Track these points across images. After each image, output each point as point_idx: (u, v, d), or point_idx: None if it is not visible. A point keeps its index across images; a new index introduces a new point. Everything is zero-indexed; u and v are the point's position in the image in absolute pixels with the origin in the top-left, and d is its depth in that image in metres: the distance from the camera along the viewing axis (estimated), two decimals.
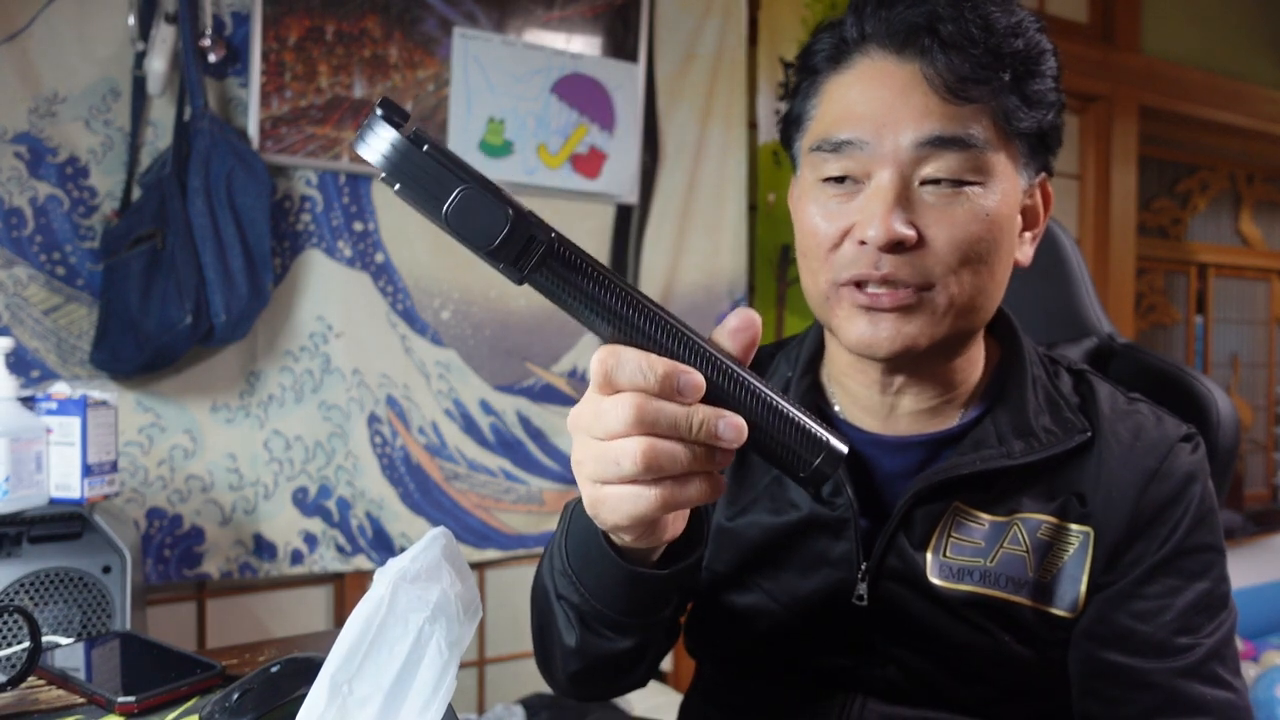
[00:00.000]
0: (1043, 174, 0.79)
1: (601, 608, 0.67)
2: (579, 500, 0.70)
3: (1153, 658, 0.74)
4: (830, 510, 0.79)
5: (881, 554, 0.77)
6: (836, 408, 0.84)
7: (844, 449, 0.53)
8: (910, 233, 0.70)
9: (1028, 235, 0.80)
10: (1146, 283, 3.89)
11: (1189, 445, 0.79)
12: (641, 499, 0.52)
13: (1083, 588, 0.76)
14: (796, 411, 0.53)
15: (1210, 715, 0.72)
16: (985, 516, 0.77)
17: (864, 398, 0.81)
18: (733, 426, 0.51)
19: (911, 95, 0.71)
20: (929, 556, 0.77)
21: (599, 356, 0.52)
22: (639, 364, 0.51)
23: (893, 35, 0.72)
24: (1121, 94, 3.22)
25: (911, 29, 0.71)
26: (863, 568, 0.78)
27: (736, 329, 0.54)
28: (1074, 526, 0.76)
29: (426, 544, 0.64)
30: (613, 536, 0.61)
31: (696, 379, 0.51)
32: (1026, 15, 0.74)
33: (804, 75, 0.79)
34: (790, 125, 0.81)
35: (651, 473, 0.51)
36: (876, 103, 0.72)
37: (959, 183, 0.71)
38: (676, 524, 0.59)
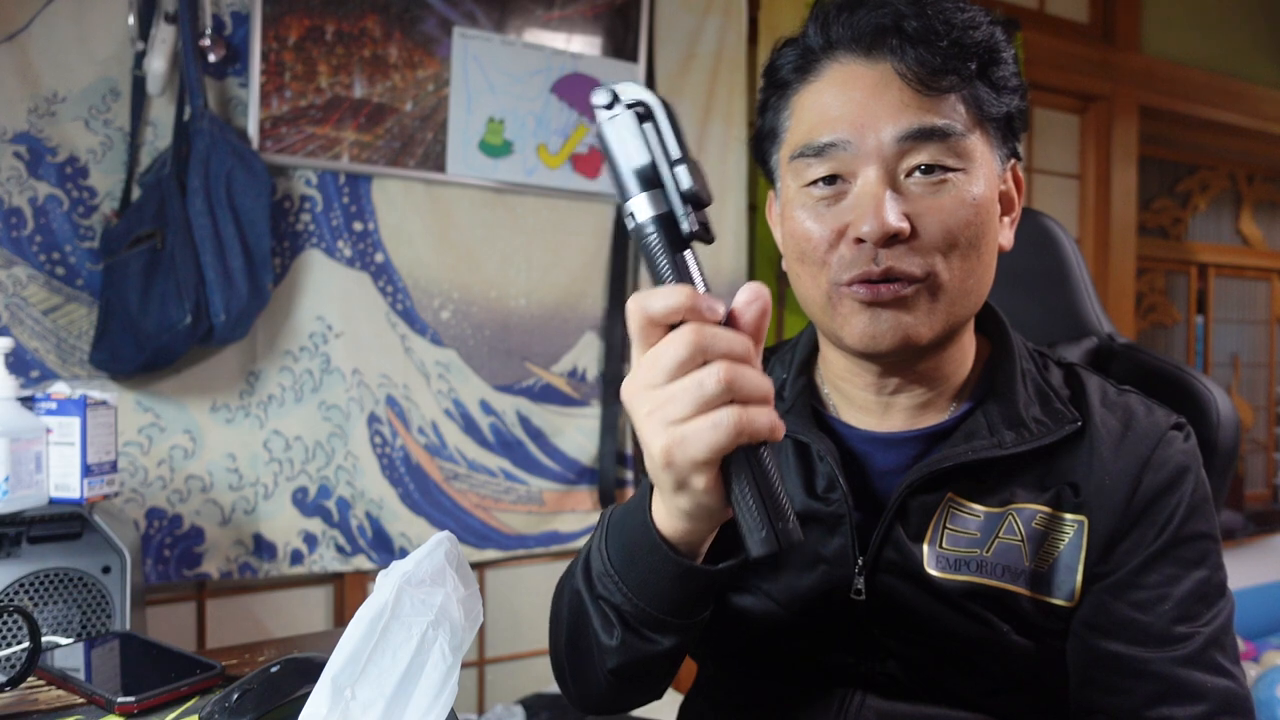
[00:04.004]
0: (1012, 159, 0.81)
1: (646, 607, 0.68)
2: (615, 506, 0.71)
3: (1154, 647, 0.74)
4: (825, 506, 0.80)
5: (878, 547, 0.78)
6: (830, 408, 0.85)
7: (795, 538, 0.56)
8: (904, 225, 0.71)
9: (1006, 220, 0.82)
10: (1147, 283, 3.89)
11: (1180, 434, 0.80)
12: (721, 425, 0.54)
13: (1079, 576, 0.77)
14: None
15: (1210, 703, 0.73)
16: (979, 508, 0.78)
17: (860, 399, 0.82)
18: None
19: (886, 92, 0.73)
20: (926, 548, 0.77)
21: (632, 302, 0.56)
22: (666, 294, 0.55)
23: (859, 39, 0.74)
24: (1121, 94, 3.22)
25: (878, 30, 0.74)
26: (859, 562, 0.78)
27: (748, 302, 0.58)
28: (1068, 516, 0.77)
29: (431, 548, 0.64)
30: (684, 499, 0.60)
31: (716, 301, 0.56)
32: (977, 10, 0.76)
33: (772, 90, 0.81)
34: (764, 140, 0.83)
35: (730, 393, 0.54)
36: (853, 104, 0.74)
37: (943, 171, 0.73)
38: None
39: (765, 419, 0.55)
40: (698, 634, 0.75)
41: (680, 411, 0.55)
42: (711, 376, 0.54)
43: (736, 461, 0.56)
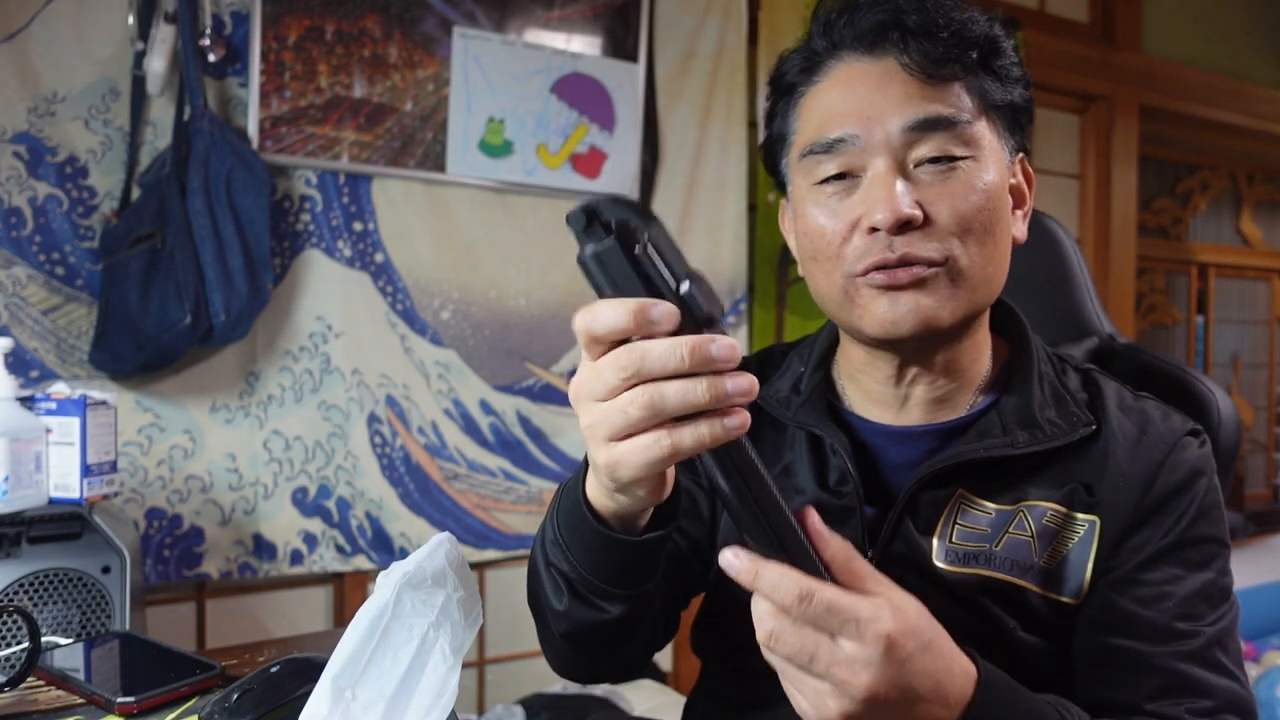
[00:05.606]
0: (1020, 153, 0.82)
1: (587, 575, 0.70)
2: (571, 478, 0.72)
3: (1157, 642, 0.75)
4: (836, 499, 0.80)
5: (887, 540, 0.79)
6: (845, 401, 0.86)
7: None
8: (916, 211, 0.72)
9: (1018, 213, 0.83)
10: (1147, 283, 3.89)
11: (1196, 440, 0.80)
12: (654, 446, 0.53)
13: (1088, 575, 0.77)
14: None
15: (1217, 700, 0.73)
16: (991, 504, 0.78)
17: (877, 392, 0.83)
18: (724, 345, 0.51)
19: (891, 85, 0.75)
20: (935, 542, 0.78)
21: (577, 318, 0.54)
22: (609, 311, 0.52)
23: (861, 38, 0.76)
24: (1121, 94, 3.22)
25: (880, 27, 0.76)
26: (868, 555, 0.79)
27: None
28: (1080, 515, 0.78)
29: (431, 549, 0.64)
30: (624, 497, 0.63)
31: (666, 307, 0.51)
32: (975, 10, 0.78)
33: (779, 95, 0.83)
34: (774, 145, 0.84)
35: (657, 414, 0.52)
36: (858, 99, 0.75)
37: (951, 159, 0.74)
38: (668, 484, 0.63)
39: (708, 430, 0.52)
40: (650, 608, 0.77)
41: (612, 432, 0.55)
42: (634, 403, 0.52)
43: (720, 461, 0.54)
